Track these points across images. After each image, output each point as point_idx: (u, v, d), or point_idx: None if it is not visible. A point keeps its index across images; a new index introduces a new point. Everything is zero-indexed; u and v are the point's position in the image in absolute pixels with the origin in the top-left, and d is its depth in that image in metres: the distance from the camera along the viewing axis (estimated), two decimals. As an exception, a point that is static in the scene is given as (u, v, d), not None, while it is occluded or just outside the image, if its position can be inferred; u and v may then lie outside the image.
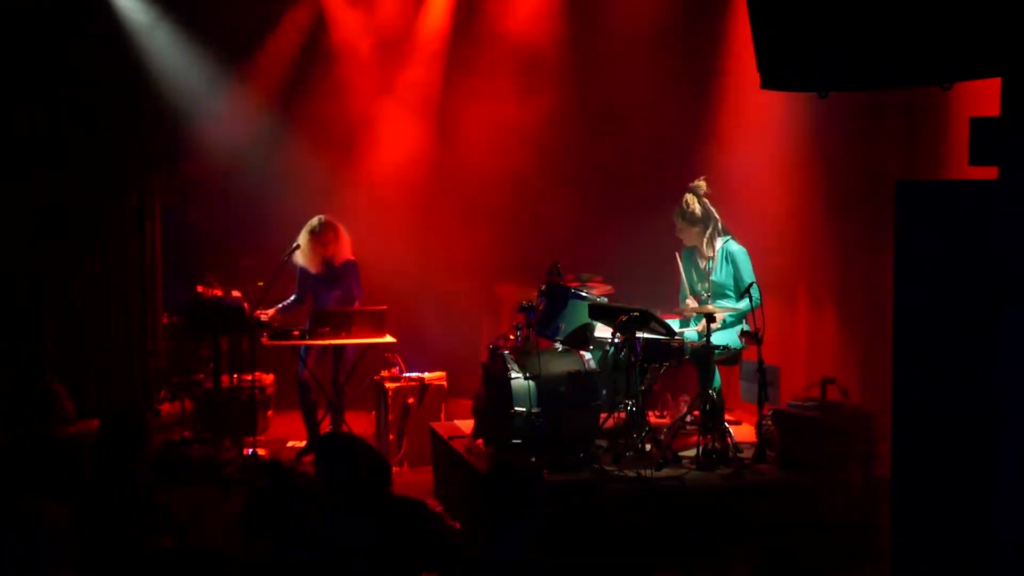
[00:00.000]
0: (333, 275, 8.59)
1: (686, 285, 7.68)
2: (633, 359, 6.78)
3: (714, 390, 7.07)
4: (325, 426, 8.66)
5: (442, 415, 8.56)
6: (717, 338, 7.09)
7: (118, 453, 5.09)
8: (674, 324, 7.30)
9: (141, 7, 9.61)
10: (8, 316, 9.51)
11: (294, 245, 8.51)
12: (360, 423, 8.84)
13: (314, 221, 8.52)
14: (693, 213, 7.50)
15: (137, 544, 4.91)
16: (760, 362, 6.82)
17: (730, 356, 7.40)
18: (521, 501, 3.64)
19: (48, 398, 5.80)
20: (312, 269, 8.55)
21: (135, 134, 9.57)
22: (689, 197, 7.52)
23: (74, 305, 9.75)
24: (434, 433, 8.03)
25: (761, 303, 6.96)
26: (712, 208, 7.53)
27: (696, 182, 7.56)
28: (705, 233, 7.53)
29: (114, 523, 4.93)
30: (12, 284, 9.55)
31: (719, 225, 7.53)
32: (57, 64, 9.42)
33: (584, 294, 7.26)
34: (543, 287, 7.30)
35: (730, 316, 7.38)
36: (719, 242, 7.53)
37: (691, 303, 7.53)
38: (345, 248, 8.60)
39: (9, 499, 3.68)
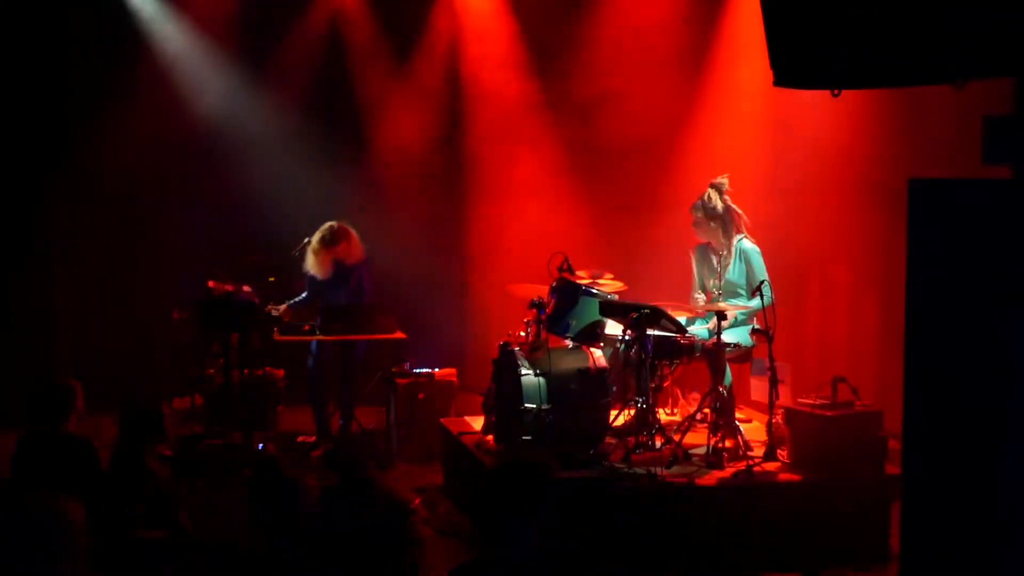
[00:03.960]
0: (344, 275, 8.59)
1: (698, 283, 7.67)
2: (644, 356, 6.78)
3: (725, 388, 7.06)
4: (334, 421, 8.70)
5: (452, 411, 8.57)
6: (728, 336, 7.09)
7: (135, 444, 5.10)
8: (682, 320, 7.29)
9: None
10: (22, 313, 9.59)
11: (305, 241, 8.51)
12: (370, 419, 8.85)
13: (325, 230, 8.45)
14: (715, 208, 7.46)
15: (143, 537, 4.92)
16: (771, 360, 6.81)
17: (741, 354, 7.39)
18: (530, 498, 3.61)
19: (65, 394, 5.82)
20: (321, 276, 8.52)
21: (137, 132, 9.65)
22: (712, 192, 7.49)
23: (85, 302, 9.82)
24: (444, 429, 8.04)
25: (773, 301, 6.94)
26: (734, 205, 7.51)
27: (719, 179, 7.54)
28: (723, 230, 7.50)
29: (125, 516, 4.94)
30: (23, 283, 9.63)
31: (741, 223, 7.51)
32: (67, 61, 9.49)
33: (595, 291, 7.26)
34: (554, 284, 7.30)
35: (741, 314, 7.37)
36: (734, 240, 7.51)
37: (700, 299, 7.52)
38: (356, 251, 8.58)
39: (26, 495, 3.69)
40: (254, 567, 4.00)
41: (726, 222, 7.48)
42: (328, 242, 8.43)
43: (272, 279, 8.61)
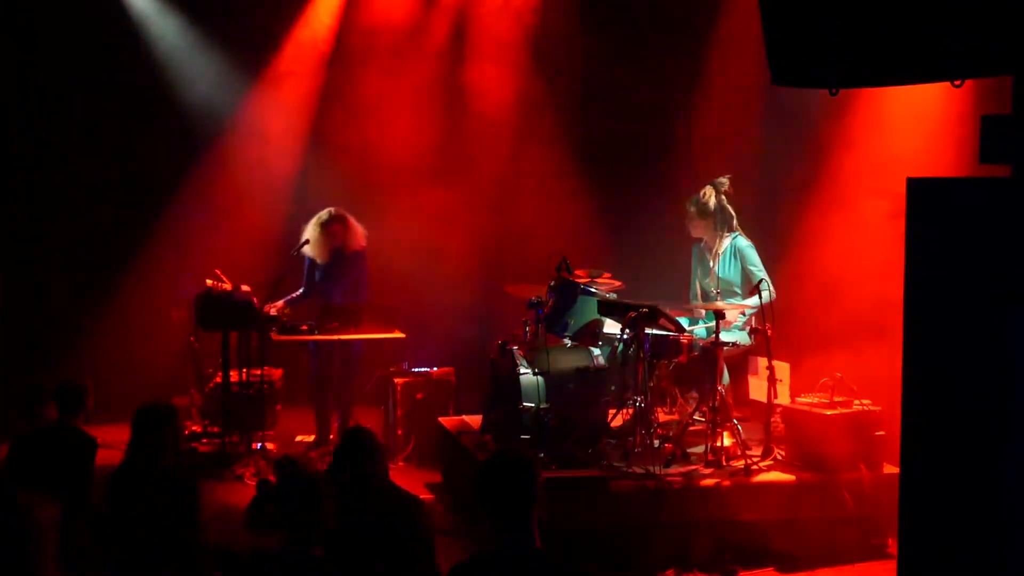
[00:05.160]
0: (341, 266, 8.58)
1: (694, 282, 7.67)
2: (642, 355, 6.78)
3: (723, 387, 7.06)
4: (334, 421, 8.70)
5: (450, 410, 8.57)
6: (726, 335, 7.09)
7: (151, 444, 5.07)
8: (683, 320, 7.29)
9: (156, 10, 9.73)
10: (19, 313, 9.59)
11: (304, 239, 8.51)
12: (369, 418, 8.85)
13: (323, 213, 8.52)
14: (706, 205, 7.49)
15: (158, 540, 4.90)
16: (769, 359, 6.81)
17: (739, 353, 7.39)
18: (517, 492, 3.60)
19: (79, 393, 5.85)
20: (320, 260, 8.55)
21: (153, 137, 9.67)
22: (708, 190, 7.51)
23: (83, 300, 9.81)
24: (442, 428, 8.04)
25: (774, 297, 6.94)
26: (729, 207, 7.52)
27: (720, 178, 7.56)
28: (715, 228, 7.52)
29: (136, 518, 4.92)
30: (21, 282, 9.63)
31: (732, 222, 7.53)
32: (65, 58, 9.49)
33: (593, 290, 7.26)
34: (552, 283, 7.29)
35: (743, 316, 7.37)
36: (727, 239, 7.52)
37: (697, 300, 7.52)
38: (357, 238, 8.59)
39: None
40: (257, 568, 3.99)
41: (717, 220, 7.51)
42: (325, 223, 8.46)
43: (279, 276, 8.58)
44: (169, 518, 4.88)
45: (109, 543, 4.87)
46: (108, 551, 4.86)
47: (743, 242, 7.49)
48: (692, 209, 7.55)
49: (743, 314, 7.34)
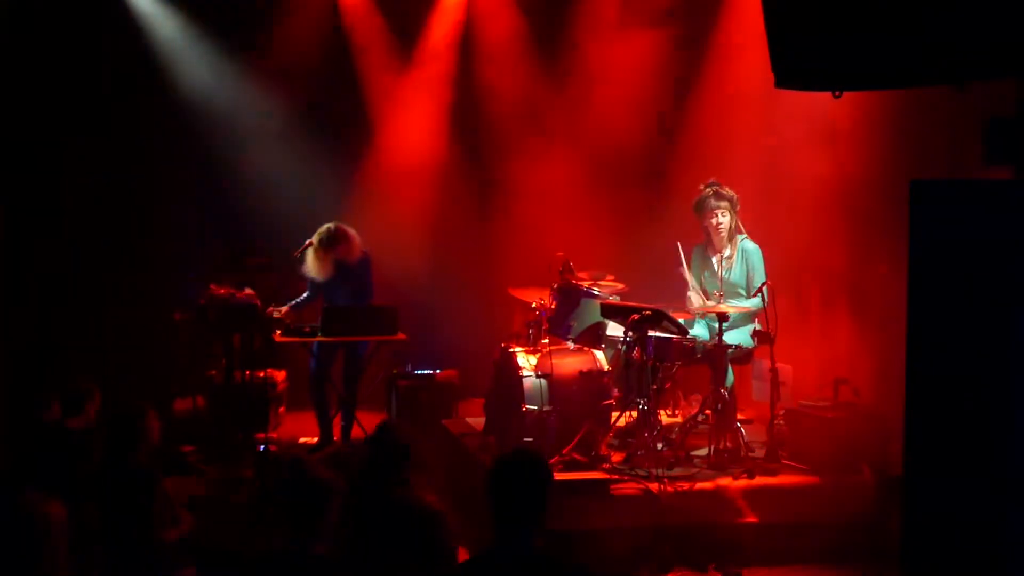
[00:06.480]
0: (346, 273, 8.57)
1: (695, 283, 7.67)
2: (645, 358, 6.78)
3: (726, 389, 7.06)
4: (336, 423, 8.70)
5: (453, 413, 8.57)
6: (729, 337, 7.09)
7: (119, 449, 5.14)
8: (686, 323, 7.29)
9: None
10: (22, 313, 9.59)
11: (307, 242, 8.50)
12: (372, 421, 8.84)
13: (324, 233, 8.41)
14: (735, 198, 7.45)
15: (144, 537, 4.93)
16: (772, 361, 6.81)
17: (742, 355, 7.39)
18: (528, 492, 3.61)
19: (82, 396, 5.88)
20: (321, 278, 8.49)
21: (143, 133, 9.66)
22: (721, 187, 7.46)
23: (85, 302, 9.81)
24: (445, 431, 8.04)
25: (773, 302, 6.94)
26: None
27: (711, 181, 7.54)
28: (735, 224, 7.49)
29: (120, 517, 4.96)
30: (23, 282, 9.63)
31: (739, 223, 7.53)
32: (67, 58, 9.49)
33: (596, 293, 7.26)
34: (555, 286, 7.30)
35: (738, 313, 7.36)
36: (738, 238, 7.51)
37: (695, 299, 7.48)
38: (356, 250, 8.54)
39: (6, 494, 3.71)
40: (259, 568, 3.99)
41: (737, 217, 7.49)
42: (327, 243, 8.41)
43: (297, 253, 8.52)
44: (135, 514, 4.95)
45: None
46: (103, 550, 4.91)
47: (751, 245, 7.48)
48: (725, 204, 7.42)
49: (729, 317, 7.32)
